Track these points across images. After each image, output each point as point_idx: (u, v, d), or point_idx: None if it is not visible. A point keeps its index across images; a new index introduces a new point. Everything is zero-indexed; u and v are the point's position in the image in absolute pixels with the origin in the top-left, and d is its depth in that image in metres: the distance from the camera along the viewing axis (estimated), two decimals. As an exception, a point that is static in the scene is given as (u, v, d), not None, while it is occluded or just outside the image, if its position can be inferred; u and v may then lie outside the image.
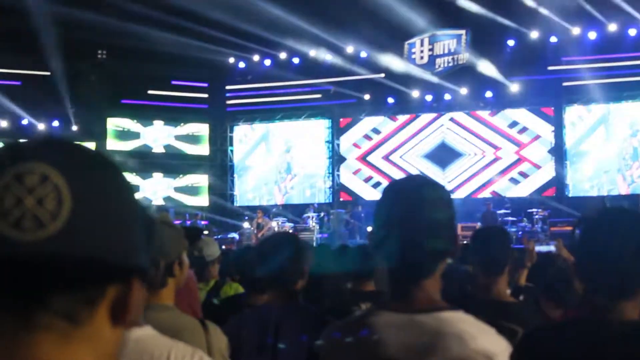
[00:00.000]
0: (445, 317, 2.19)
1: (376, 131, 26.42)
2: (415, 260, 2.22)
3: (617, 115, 24.00)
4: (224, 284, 6.15)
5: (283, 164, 27.67)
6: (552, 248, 9.19)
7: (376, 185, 26.05)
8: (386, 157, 26.12)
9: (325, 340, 2.43)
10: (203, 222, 24.18)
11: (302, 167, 27.14)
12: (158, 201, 26.37)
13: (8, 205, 0.93)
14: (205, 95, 27.77)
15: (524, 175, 24.65)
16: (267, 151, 27.91)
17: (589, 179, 24.34)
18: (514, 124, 24.86)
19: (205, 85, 27.70)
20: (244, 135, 28.23)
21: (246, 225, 23.75)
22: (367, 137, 26.54)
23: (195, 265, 6.12)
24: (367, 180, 26.37)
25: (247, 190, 28.12)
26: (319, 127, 27.27)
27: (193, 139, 27.76)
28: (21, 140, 1.04)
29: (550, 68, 23.82)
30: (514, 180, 24.69)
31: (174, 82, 27.04)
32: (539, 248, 9.40)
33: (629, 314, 2.25)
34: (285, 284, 3.91)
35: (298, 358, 3.71)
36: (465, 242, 5.33)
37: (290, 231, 21.99)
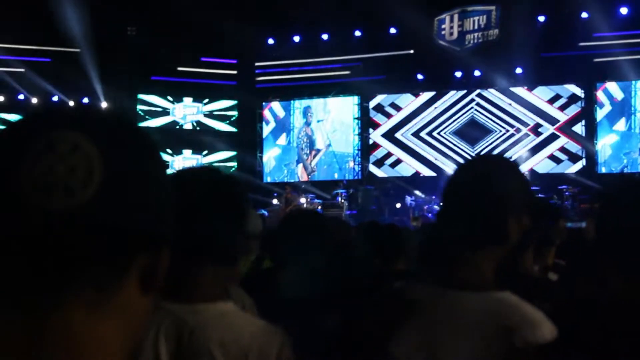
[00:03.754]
0: (495, 298, 2.17)
1: (405, 108, 26.30)
2: (464, 233, 2.21)
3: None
4: (264, 258, 6.18)
5: (305, 140, 27.63)
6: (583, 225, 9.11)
7: (407, 160, 26.01)
8: (415, 134, 26.03)
9: (378, 301, 2.42)
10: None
11: (330, 143, 27.00)
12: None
13: (39, 174, 0.93)
14: (235, 72, 27.77)
15: (556, 151, 24.48)
16: (289, 129, 27.92)
17: (605, 164, 24.15)
18: (544, 101, 24.69)
19: (234, 62, 27.69)
20: (269, 112, 28.22)
21: (275, 202, 23.80)
22: (397, 114, 26.42)
23: None
24: (395, 156, 26.28)
25: (266, 173, 28.14)
26: (348, 104, 27.16)
27: (222, 115, 27.81)
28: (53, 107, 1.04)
29: (581, 44, 23.56)
30: (548, 157, 24.52)
31: (203, 59, 27.06)
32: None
33: None
34: (307, 261, 3.91)
35: (321, 335, 3.70)
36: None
37: (318, 207, 22.06)
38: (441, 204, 2.37)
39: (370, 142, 26.76)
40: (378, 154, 26.66)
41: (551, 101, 24.57)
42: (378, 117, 26.74)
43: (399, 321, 2.25)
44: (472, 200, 2.21)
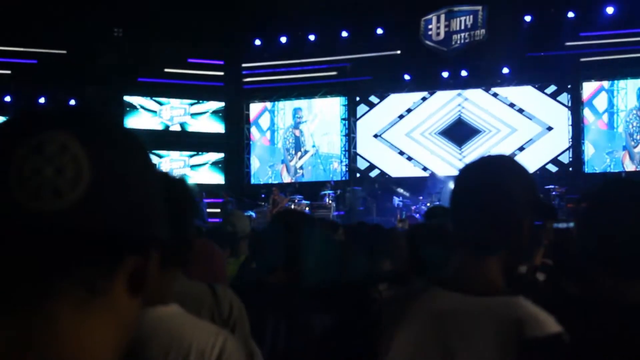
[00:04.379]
0: (506, 302, 2.15)
1: (393, 108, 26.32)
2: (480, 236, 2.19)
3: (627, 91, 23.85)
4: (254, 259, 6.17)
5: (291, 141, 27.63)
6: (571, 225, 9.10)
7: (394, 161, 26.04)
8: (402, 134, 26.04)
9: (391, 305, 2.40)
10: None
11: (315, 144, 26.95)
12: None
13: (27, 175, 0.93)
14: (222, 73, 27.74)
15: (540, 151, 24.54)
16: (274, 129, 27.91)
17: (588, 163, 24.25)
18: (529, 101, 24.75)
19: (221, 63, 27.66)
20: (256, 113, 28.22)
21: (263, 203, 23.80)
22: (384, 114, 26.45)
23: (227, 240, 6.13)
24: (387, 156, 26.31)
25: (251, 174, 28.11)
26: (335, 105, 27.17)
27: (209, 117, 27.76)
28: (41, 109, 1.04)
29: (567, 44, 23.65)
30: (530, 156, 24.57)
31: (190, 60, 27.04)
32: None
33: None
34: (297, 263, 3.90)
35: (310, 337, 3.70)
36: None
37: (306, 208, 22.07)
38: (450, 207, 2.34)
39: (356, 142, 26.76)
40: (364, 154, 26.67)
41: (537, 100, 24.60)
42: (365, 117, 26.74)
43: (414, 326, 2.23)
44: (486, 204, 2.19)
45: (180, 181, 2.41)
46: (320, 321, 3.77)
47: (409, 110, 26.05)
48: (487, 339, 2.11)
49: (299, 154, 27.39)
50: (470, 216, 2.22)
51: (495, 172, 2.27)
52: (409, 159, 25.86)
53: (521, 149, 24.67)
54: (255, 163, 28.03)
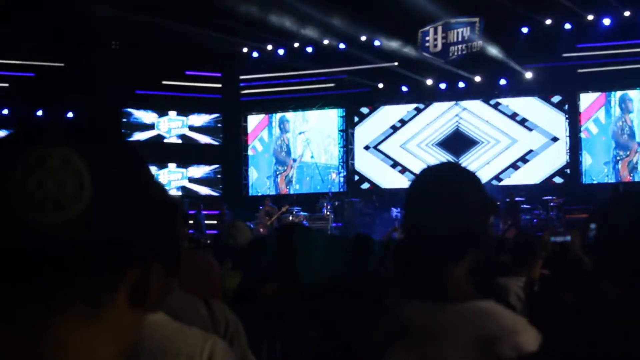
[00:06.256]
0: (477, 307, 2.15)
1: (390, 120, 26.34)
2: (443, 244, 2.19)
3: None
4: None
5: (284, 150, 27.66)
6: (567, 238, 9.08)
7: (391, 173, 26.02)
8: (401, 146, 26.04)
9: (364, 330, 2.39)
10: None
11: (313, 155, 26.90)
12: (172, 191, 26.41)
13: (29, 188, 0.93)
14: (219, 86, 27.78)
15: (538, 162, 24.55)
16: (271, 141, 27.92)
17: (586, 174, 24.27)
18: (528, 112, 24.76)
19: (219, 75, 27.70)
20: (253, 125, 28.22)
21: (259, 214, 23.78)
22: (381, 126, 26.45)
23: (229, 253, 6.06)
24: (381, 168, 26.29)
25: (250, 186, 28.10)
26: (332, 117, 27.18)
27: (207, 129, 27.78)
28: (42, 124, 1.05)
29: (564, 55, 23.68)
30: (529, 168, 24.58)
31: (187, 73, 27.07)
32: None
33: None
34: (295, 276, 3.88)
35: (305, 353, 3.69)
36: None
37: (303, 221, 22.03)
38: (409, 217, 2.34)
39: (354, 153, 26.76)
40: (361, 165, 26.66)
41: (534, 112, 24.62)
42: (362, 129, 26.75)
43: (393, 340, 2.22)
44: (447, 209, 2.19)
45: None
46: (316, 335, 3.77)
47: (405, 122, 26.06)
48: (460, 346, 2.11)
49: (292, 163, 27.38)
50: (432, 223, 2.22)
51: (448, 178, 2.28)
52: (403, 170, 25.81)
53: (523, 160, 24.67)
54: (253, 174, 28.01)
